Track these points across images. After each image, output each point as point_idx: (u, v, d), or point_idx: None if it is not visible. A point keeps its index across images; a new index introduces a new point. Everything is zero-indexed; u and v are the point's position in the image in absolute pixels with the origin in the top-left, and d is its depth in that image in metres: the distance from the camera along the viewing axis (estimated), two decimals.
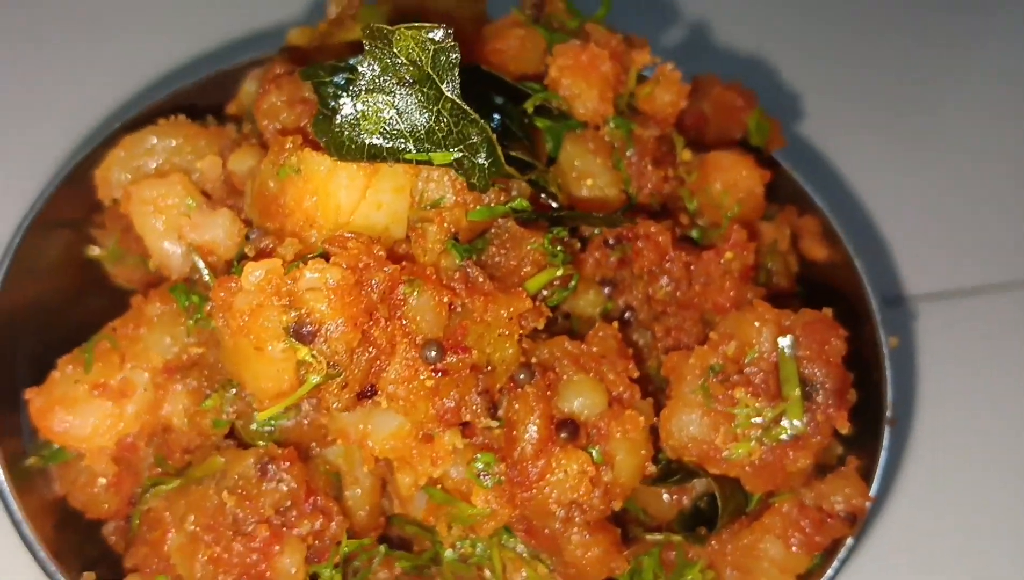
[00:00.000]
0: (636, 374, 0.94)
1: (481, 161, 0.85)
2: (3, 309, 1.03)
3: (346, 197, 0.85)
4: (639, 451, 0.91)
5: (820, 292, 1.18)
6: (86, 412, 0.93)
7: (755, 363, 0.94)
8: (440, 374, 0.84)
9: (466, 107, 0.83)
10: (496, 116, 0.93)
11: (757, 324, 0.94)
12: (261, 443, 0.93)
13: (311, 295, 0.78)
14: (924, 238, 1.47)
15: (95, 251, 1.15)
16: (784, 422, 0.92)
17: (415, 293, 0.82)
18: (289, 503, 0.88)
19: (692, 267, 1.02)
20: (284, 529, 0.87)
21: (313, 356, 0.78)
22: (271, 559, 0.85)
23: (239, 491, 0.88)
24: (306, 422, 0.94)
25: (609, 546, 0.92)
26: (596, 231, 1.02)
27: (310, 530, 0.88)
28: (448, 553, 0.99)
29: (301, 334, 0.78)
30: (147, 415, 0.94)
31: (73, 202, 1.14)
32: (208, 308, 0.88)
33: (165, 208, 0.98)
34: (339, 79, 0.91)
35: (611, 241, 1.03)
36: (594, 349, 0.94)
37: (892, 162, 1.54)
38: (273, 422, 0.92)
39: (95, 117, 1.34)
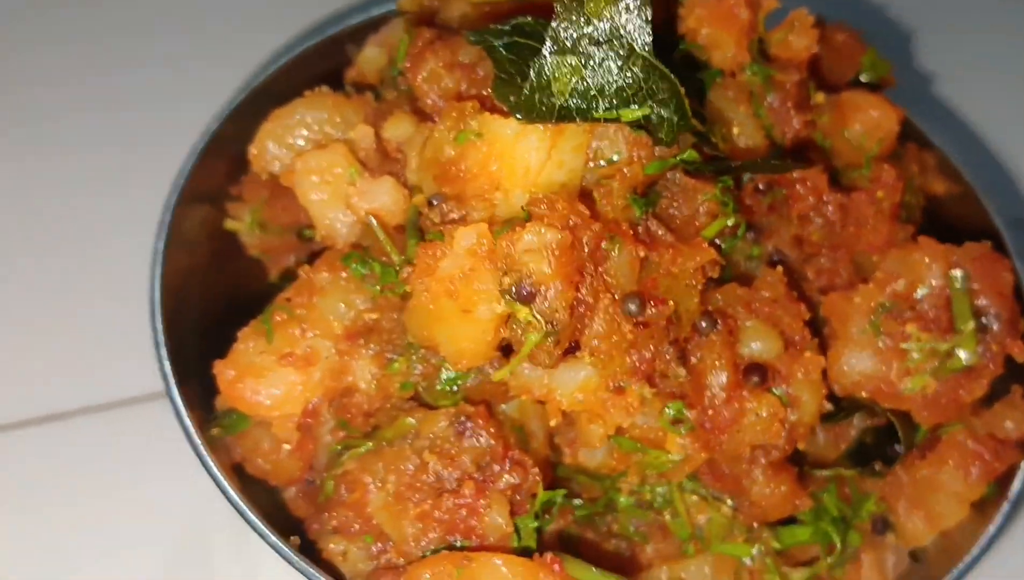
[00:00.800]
0: (808, 316, 0.96)
1: (669, 115, 0.86)
2: (168, 286, 1.04)
3: (535, 158, 0.86)
4: (820, 391, 0.93)
5: (945, 225, 1.20)
6: (275, 381, 0.94)
7: (926, 299, 0.96)
8: (641, 326, 0.85)
9: (657, 63, 0.84)
10: None
11: (927, 260, 0.96)
12: (445, 403, 0.95)
13: (529, 257, 0.79)
14: None
15: (234, 224, 1.16)
16: (959, 353, 0.95)
17: (615, 249, 0.84)
18: (488, 459, 0.90)
19: (846, 207, 1.03)
20: (487, 483, 0.89)
21: (534, 316, 0.80)
22: (478, 514, 0.88)
23: (438, 450, 0.90)
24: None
25: (792, 484, 0.95)
26: (747, 178, 1.04)
27: (510, 483, 0.90)
28: (623, 499, 1.01)
29: (522, 295, 0.79)
30: (331, 381, 0.96)
31: (210, 176, 1.15)
32: (404, 273, 0.89)
33: (331, 178, 0.98)
34: (505, 41, 0.91)
35: (762, 187, 1.04)
36: (765, 294, 0.96)
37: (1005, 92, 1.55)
38: (459, 382, 0.94)
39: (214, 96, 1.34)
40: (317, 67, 1.20)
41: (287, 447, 0.98)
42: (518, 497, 0.91)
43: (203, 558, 1.13)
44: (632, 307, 0.85)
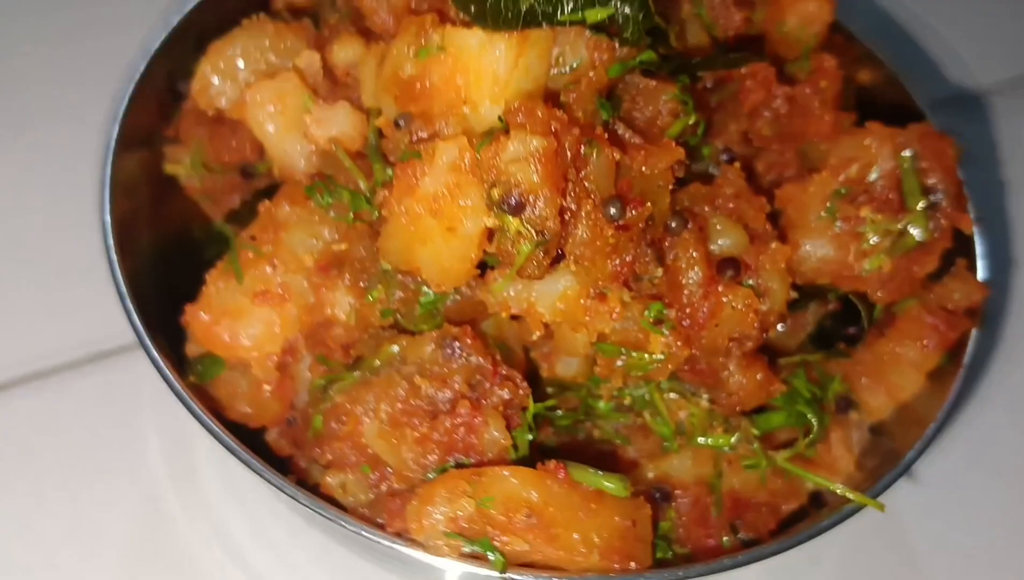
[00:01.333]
0: (769, 209, 0.99)
1: (633, 13, 0.86)
2: (120, 237, 1.00)
3: (503, 67, 0.85)
4: (787, 279, 0.97)
5: (874, 113, 1.24)
6: (252, 320, 0.92)
7: (878, 181, 1.00)
8: (622, 230, 0.86)
9: None
10: None
11: (876, 144, 1.00)
12: (426, 327, 0.95)
13: (516, 167, 0.78)
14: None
15: (174, 167, 1.11)
16: (912, 231, 0.99)
17: (594, 153, 0.84)
18: (479, 377, 0.91)
19: (793, 98, 1.06)
20: (481, 401, 0.90)
21: (524, 227, 0.80)
22: (477, 431, 0.88)
23: (428, 373, 0.90)
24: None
25: (766, 372, 0.99)
26: (697, 76, 1.05)
27: (503, 399, 0.91)
28: (602, 405, 1.04)
29: (511, 206, 0.79)
30: (307, 316, 0.94)
31: (143, 119, 1.10)
32: (379, 197, 0.88)
33: (285, 108, 0.95)
34: None
35: (710, 85, 1.06)
36: (728, 191, 0.98)
37: None
38: (440, 304, 0.94)
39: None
40: None
41: (268, 388, 0.97)
42: (510, 411, 0.92)
43: (192, 506, 1.10)
44: (613, 211, 0.85)
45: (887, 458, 1.01)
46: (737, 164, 1.01)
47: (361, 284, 0.95)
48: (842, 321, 1.06)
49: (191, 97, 1.03)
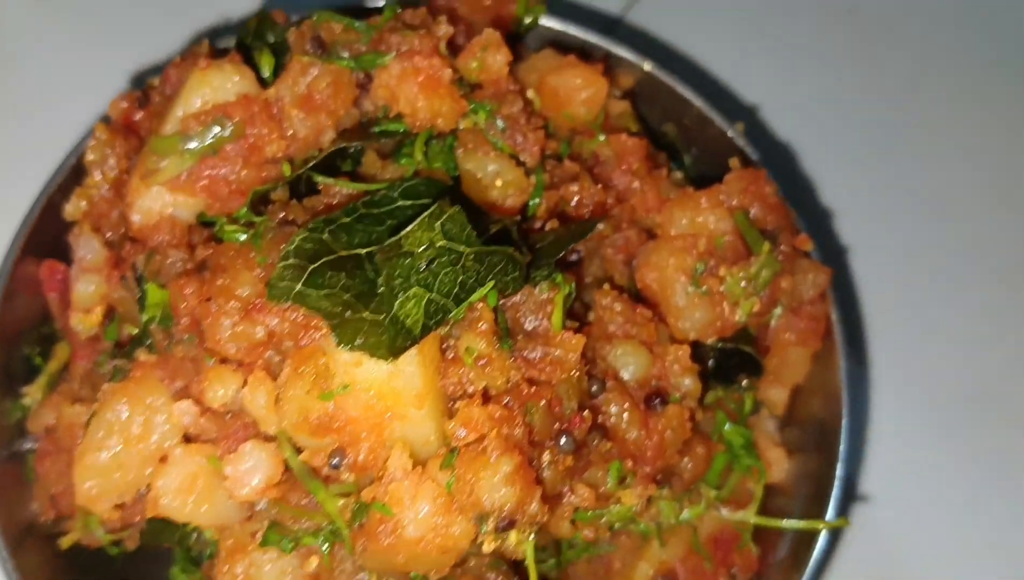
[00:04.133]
0: (650, 314, 1.06)
1: (511, 273, 0.86)
2: None
3: (418, 381, 0.85)
4: (694, 369, 1.05)
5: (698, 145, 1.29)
6: None
7: (724, 242, 1.08)
8: (579, 450, 0.92)
9: (484, 247, 0.83)
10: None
11: (710, 215, 1.07)
12: None
13: (496, 497, 0.81)
14: None
15: (71, 539, 1.03)
16: (764, 272, 1.09)
17: (534, 414, 0.87)
18: None
19: (618, 195, 1.10)
20: None
21: (520, 535, 0.83)
22: None
23: None
24: None
25: (705, 443, 1.10)
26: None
27: None
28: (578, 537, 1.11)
29: (505, 527, 0.82)
30: None
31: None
32: (358, 547, 0.87)
33: (198, 486, 0.90)
34: (314, 284, 0.84)
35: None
36: (617, 322, 1.03)
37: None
38: None
39: None
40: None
41: None
42: None
43: None
44: (564, 443, 0.90)
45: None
46: (607, 286, 1.05)
47: None
48: (733, 353, 1.17)
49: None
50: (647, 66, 1.28)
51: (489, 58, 1.07)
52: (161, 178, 0.99)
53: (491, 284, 0.85)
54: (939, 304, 1.42)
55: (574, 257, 1.11)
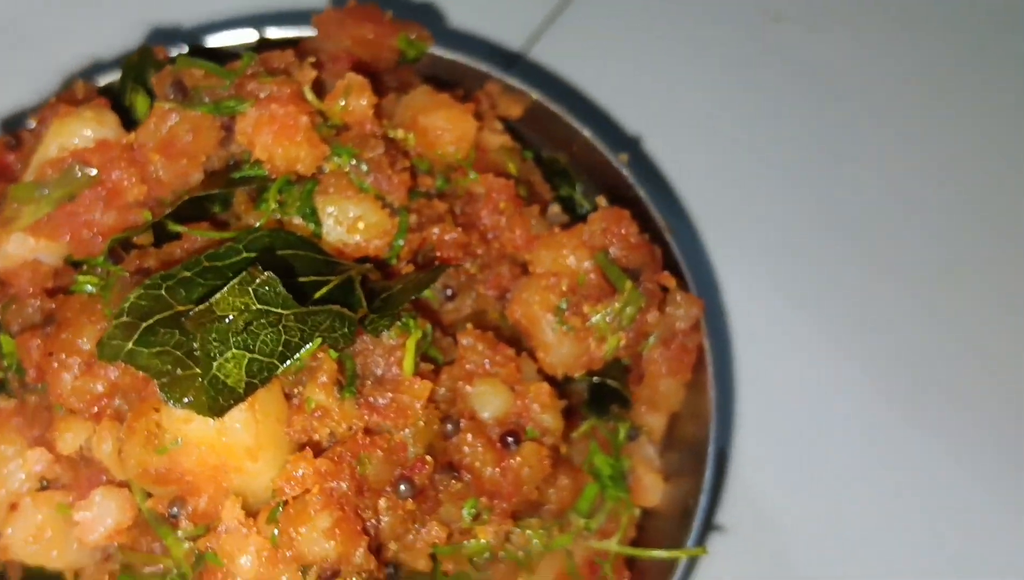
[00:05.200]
0: (512, 353, 1.07)
1: (339, 329, 0.88)
2: None
3: (249, 437, 0.87)
4: (558, 407, 1.07)
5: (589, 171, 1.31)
6: None
7: (586, 281, 1.10)
8: (419, 496, 0.94)
9: (303, 308, 0.85)
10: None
11: (571, 255, 1.09)
12: None
13: (317, 549, 0.83)
14: None
15: None
16: (628, 308, 1.11)
17: (367, 466, 0.89)
18: None
19: (480, 231, 1.12)
20: None
21: None
22: None
23: None
24: None
25: (571, 474, 1.12)
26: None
27: None
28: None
29: (328, 578, 0.84)
30: None
31: None
32: None
33: (47, 533, 0.93)
34: (135, 338, 0.86)
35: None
36: (473, 362, 1.05)
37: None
38: None
39: None
40: None
41: None
42: None
43: None
44: (404, 489, 0.92)
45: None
46: (469, 325, 1.07)
47: None
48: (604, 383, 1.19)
49: None
50: (535, 95, 1.30)
51: (353, 102, 1.08)
52: (19, 225, 1.01)
53: (318, 341, 0.87)
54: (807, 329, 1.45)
55: (448, 292, 1.13)
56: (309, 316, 0.86)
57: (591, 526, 1.13)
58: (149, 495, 0.93)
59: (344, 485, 0.87)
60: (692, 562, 1.14)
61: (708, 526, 1.18)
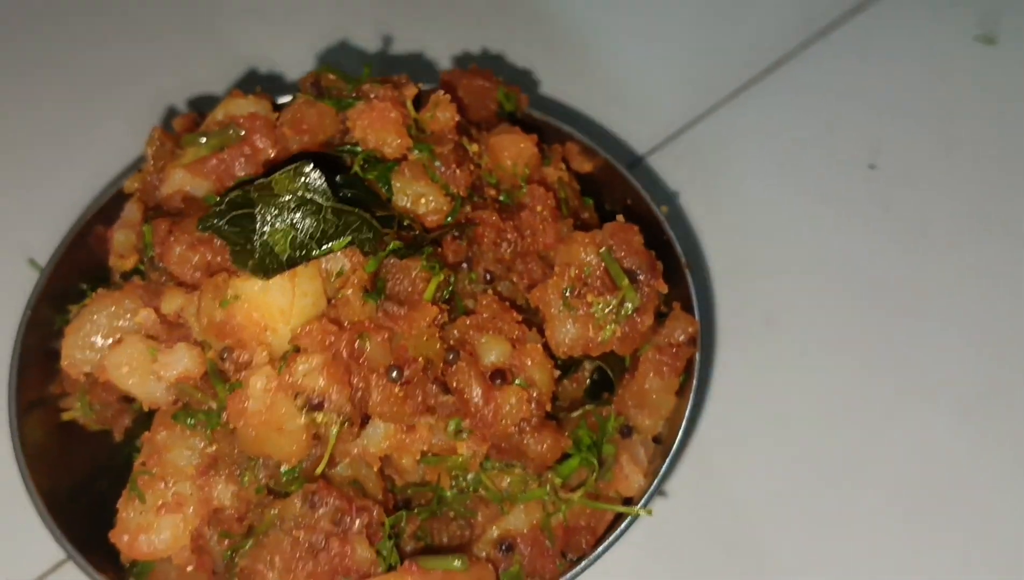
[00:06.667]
0: (520, 318, 1.31)
1: (365, 235, 1.17)
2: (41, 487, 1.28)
3: (284, 301, 1.16)
4: (547, 366, 1.29)
5: (605, 193, 1.58)
6: (161, 528, 1.21)
7: (592, 274, 1.33)
8: (406, 385, 1.18)
9: (341, 206, 1.15)
10: (348, 192, 1.24)
11: (583, 250, 1.33)
12: (294, 488, 1.24)
13: (308, 379, 1.09)
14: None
15: (70, 414, 1.39)
16: (626, 304, 1.32)
17: (367, 342, 1.15)
18: (340, 515, 1.21)
19: (518, 227, 1.38)
20: (346, 532, 1.20)
21: (327, 416, 1.10)
22: (349, 556, 1.19)
23: (302, 524, 1.20)
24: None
25: (554, 434, 1.31)
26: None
27: (362, 525, 1.21)
28: (448, 494, 1.35)
29: (314, 406, 1.10)
30: (203, 509, 1.23)
31: (31, 387, 1.38)
32: (225, 417, 1.17)
33: (137, 364, 1.24)
34: (226, 219, 1.19)
35: (456, 233, 1.37)
36: (485, 315, 1.30)
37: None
38: (296, 470, 1.23)
39: None
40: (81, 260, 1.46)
41: (191, 568, 1.26)
42: (371, 531, 1.23)
43: None
44: (394, 375, 1.17)
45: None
46: (490, 290, 1.33)
47: (236, 473, 1.24)
48: (605, 381, 1.39)
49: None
50: (604, 154, 1.58)
51: (439, 113, 1.41)
52: (184, 161, 1.39)
53: (348, 238, 1.16)
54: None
55: (488, 277, 1.39)
56: (344, 214, 1.15)
57: (559, 476, 1.31)
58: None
59: (343, 346, 1.12)
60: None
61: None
